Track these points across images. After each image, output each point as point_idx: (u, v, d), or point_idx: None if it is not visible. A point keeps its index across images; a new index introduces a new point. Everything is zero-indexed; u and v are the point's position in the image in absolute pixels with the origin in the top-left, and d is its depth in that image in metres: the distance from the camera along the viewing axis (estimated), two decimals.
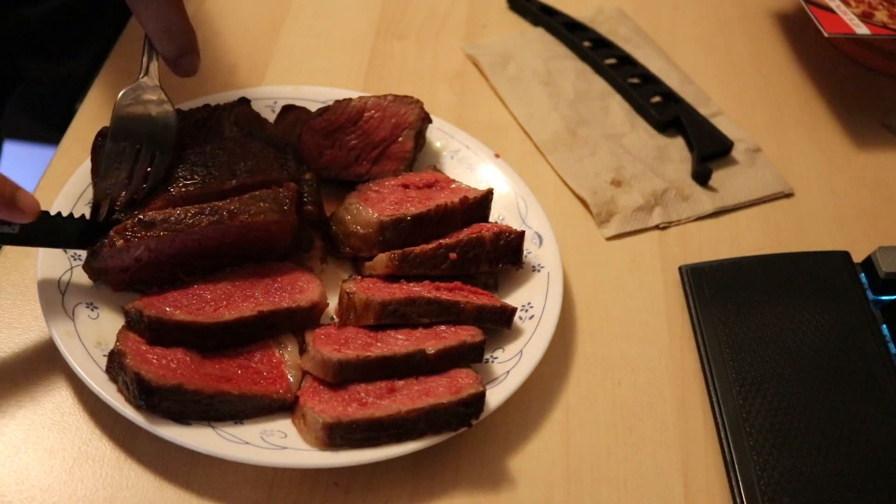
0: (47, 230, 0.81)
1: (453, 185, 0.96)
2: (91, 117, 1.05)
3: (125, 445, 0.79)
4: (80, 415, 0.80)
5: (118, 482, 0.77)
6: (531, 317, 0.88)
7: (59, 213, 0.82)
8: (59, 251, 0.85)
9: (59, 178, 0.94)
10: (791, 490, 0.80)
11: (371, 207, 0.90)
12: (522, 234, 0.91)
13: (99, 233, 0.83)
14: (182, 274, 0.85)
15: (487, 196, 0.94)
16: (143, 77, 0.87)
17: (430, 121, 1.01)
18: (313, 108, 0.99)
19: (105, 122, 0.89)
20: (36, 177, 0.99)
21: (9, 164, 1.53)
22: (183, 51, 0.86)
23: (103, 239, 0.82)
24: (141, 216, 0.82)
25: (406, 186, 0.95)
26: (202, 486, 0.77)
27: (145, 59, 0.87)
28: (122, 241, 0.81)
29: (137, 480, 0.77)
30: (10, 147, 1.59)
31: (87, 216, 0.85)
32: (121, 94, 0.86)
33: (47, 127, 1.35)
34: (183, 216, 0.83)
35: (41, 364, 0.83)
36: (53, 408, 0.81)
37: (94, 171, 0.87)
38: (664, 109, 1.17)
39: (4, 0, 1.25)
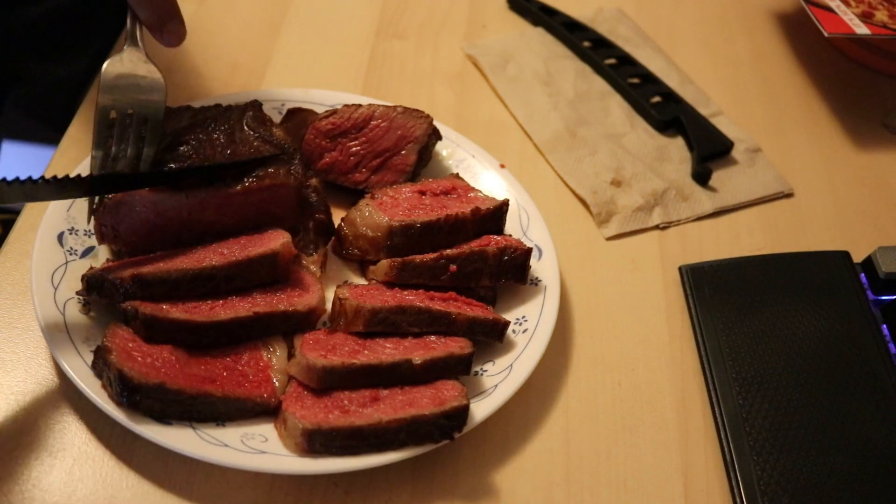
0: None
1: (471, 195, 0.95)
2: (91, 117, 1.04)
3: (125, 445, 0.79)
4: (80, 415, 0.80)
5: (118, 482, 0.77)
6: (524, 330, 0.88)
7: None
8: (55, 245, 0.86)
9: None
10: (791, 490, 0.80)
11: (383, 211, 0.90)
12: (529, 251, 0.89)
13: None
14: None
15: (502, 207, 0.93)
16: (127, 46, 0.86)
17: (439, 137, 1.00)
18: (321, 111, 0.99)
19: None
20: (36, 176, 0.98)
21: (9, 163, 1.53)
22: (164, 16, 0.85)
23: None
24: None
25: (423, 193, 0.94)
26: (202, 486, 0.77)
27: (129, 28, 0.87)
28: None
29: (137, 480, 0.77)
30: (10, 147, 1.59)
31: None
32: (106, 63, 0.85)
33: (47, 127, 1.35)
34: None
35: (41, 364, 0.83)
36: (53, 407, 0.81)
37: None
38: (664, 109, 1.17)
39: (4, 0, 1.25)
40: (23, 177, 0.76)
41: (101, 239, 0.86)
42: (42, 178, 0.78)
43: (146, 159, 0.86)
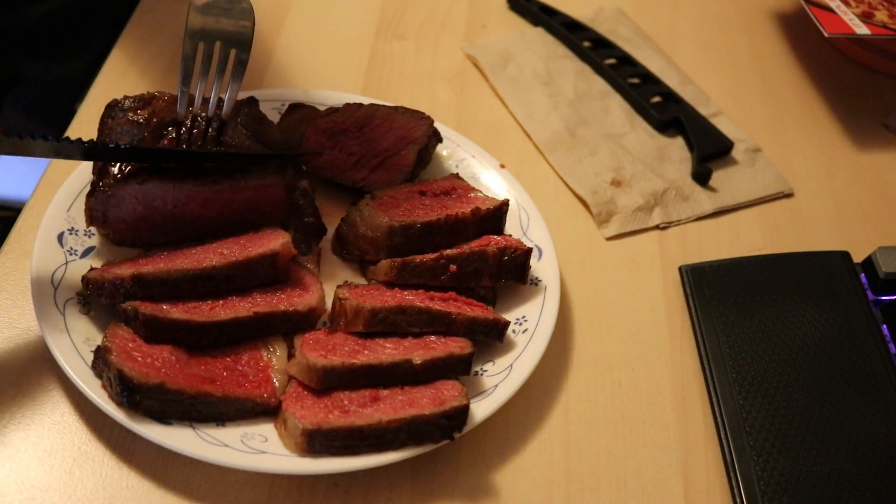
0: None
1: (471, 195, 0.95)
2: (91, 117, 1.05)
3: (125, 445, 0.79)
4: (79, 414, 0.80)
5: (118, 482, 0.77)
6: (524, 330, 0.88)
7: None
8: (55, 245, 0.86)
9: (59, 178, 0.94)
10: (791, 490, 0.80)
11: (383, 211, 0.90)
12: (529, 251, 0.89)
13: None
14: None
15: (502, 207, 0.93)
16: None
17: (439, 139, 1.00)
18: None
19: None
20: (36, 177, 0.98)
21: (8, 163, 1.53)
22: None
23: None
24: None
25: (423, 193, 0.94)
26: (202, 486, 0.77)
27: None
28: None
29: (137, 480, 0.77)
30: None
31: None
32: None
33: (47, 127, 1.35)
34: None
35: (41, 364, 0.83)
36: (53, 407, 0.81)
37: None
38: (664, 109, 1.17)
39: (4, 0, 1.25)
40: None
41: (91, 221, 0.87)
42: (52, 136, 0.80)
43: (231, 98, 0.87)
